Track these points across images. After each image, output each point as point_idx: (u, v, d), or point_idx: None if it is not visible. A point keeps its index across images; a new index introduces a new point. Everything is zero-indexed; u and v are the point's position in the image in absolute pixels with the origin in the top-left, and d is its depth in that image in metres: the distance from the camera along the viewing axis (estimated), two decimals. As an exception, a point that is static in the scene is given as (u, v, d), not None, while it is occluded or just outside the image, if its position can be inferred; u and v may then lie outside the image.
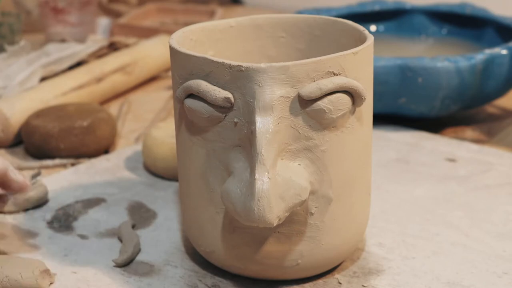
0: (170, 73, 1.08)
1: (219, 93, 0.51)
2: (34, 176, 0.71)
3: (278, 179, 0.50)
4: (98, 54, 1.07)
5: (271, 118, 0.50)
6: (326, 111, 0.51)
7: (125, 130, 0.89)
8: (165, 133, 0.75)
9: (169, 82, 1.06)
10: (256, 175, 0.49)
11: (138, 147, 0.82)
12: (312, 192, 0.53)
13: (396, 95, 0.83)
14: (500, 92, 0.86)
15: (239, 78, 0.50)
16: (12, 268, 0.56)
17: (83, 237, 0.64)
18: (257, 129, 0.49)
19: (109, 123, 0.82)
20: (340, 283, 0.57)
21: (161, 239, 0.63)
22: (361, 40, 0.56)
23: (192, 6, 1.38)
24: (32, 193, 0.68)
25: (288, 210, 0.51)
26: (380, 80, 0.81)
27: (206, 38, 0.61)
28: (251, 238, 0.54)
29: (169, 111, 0.93)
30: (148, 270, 0.59)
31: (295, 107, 0.51)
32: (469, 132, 0.86)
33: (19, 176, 0.61)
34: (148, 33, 1.17)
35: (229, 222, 0.54)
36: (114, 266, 0.60)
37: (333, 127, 0.52)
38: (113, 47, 1.10)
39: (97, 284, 0.57)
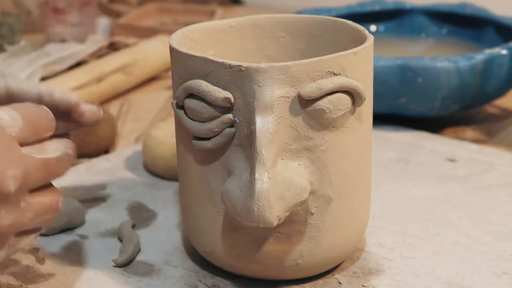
0: (170, 73, 1.08)
1: (219, 93, 0.51)
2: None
3: (278, 179, 0.50)
4: (98, 54, 1.07)
5: (271, 118, 0.50)
6: (326, 111, 0.51)
7: (125, 130, 0.89)
8: (165, 133, 0.75)
9: (169, 82, 1.06)
10: (256, 175, 0.49)
11: (138, 147, 0.82)
12: (312, 192, 0.53)
13: (396, 95, 0.83)
14: (500, 92, 0.86)
15: (239, 78, 0.50)
16: None
17: (83, 237, 0.64)
18: (257, 129, 0.49)
19: (109, 123, 0.82)
20: (340, 283, 0.57)
21: (161, 239, 0.63)
22: (361, 40, 0.56)
23: (192, 6, 1.38)
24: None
25: (288, 210, 0.51)
26: (380, 80, 0.81)
27: (206, 38, 0.61)
28: (251, 238, 0.54)
29: (169, 111, 0.93)
30: (148, 270, 0.59)
31: (295, 107, 0.51)
32: (469, 132, 0.86)
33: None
34: (148, 33, 1.17)
35: (229, 222, 0.54)
36: (114, 266, 0.60)
37: (333, 127, 0.52)
38: (113, 47, 1.10)
39: (97, 284, 0.57)
